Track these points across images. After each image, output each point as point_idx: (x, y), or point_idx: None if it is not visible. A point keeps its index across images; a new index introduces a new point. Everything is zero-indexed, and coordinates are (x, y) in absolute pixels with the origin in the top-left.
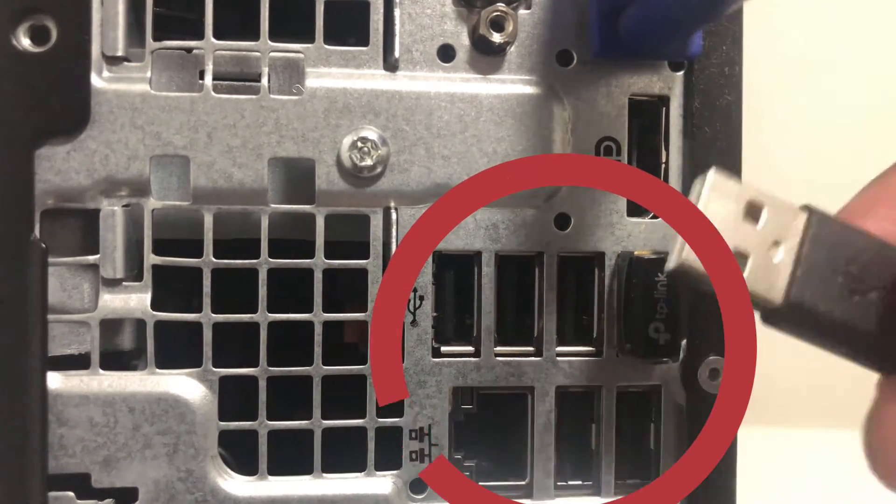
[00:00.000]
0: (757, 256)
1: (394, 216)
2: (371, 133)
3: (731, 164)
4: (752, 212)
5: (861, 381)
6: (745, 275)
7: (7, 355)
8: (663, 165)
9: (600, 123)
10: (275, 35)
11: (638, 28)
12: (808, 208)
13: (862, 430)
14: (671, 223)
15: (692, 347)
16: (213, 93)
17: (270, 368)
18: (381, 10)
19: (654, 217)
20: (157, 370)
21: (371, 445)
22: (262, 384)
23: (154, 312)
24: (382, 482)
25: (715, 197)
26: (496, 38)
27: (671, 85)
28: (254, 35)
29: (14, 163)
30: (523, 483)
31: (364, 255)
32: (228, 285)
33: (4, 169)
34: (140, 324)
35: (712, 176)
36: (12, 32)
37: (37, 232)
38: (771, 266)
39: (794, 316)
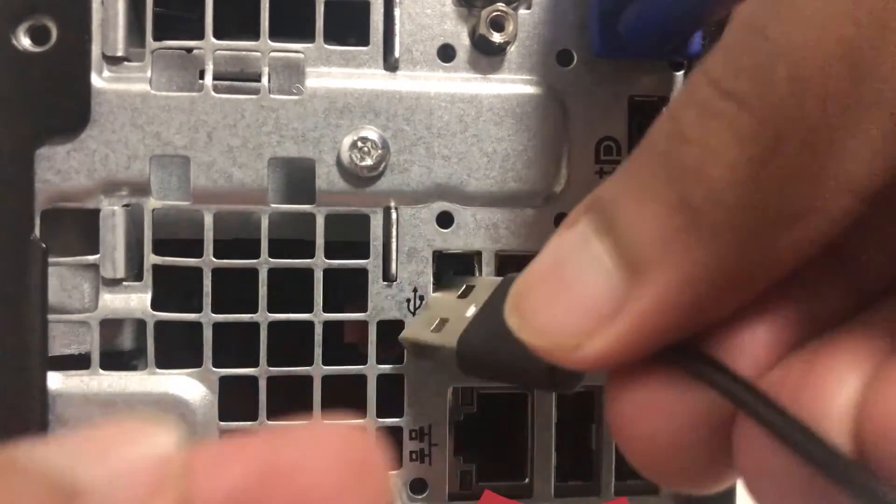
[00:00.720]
0: (453, 319)
1: (394, 216)
2: (371, 133)
3: None
4: (466, 291)
5: None
6: (441, 333)
7: (7, 355)
8: None
9: (600, 123)
10: (275, 35)
11: (638, 28)
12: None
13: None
14: None
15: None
16: (213, 93)
17: (271, 368)
18: (382, 10)
19: None
20: (158, 370)
21: None
22: (263, 384)
23: (154, 312)
24: None
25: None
26: (496, 37)
27: (671, 85)
28: (254, 35)
29: (14, 162)
30: (523, 483)
31: (364, 254)
32: (229, 285)
33: (4, 169)
34: (140, 324)
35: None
36: (12, 32)
37: (37, 232)
38: (461, 322)
39: (464, 358)
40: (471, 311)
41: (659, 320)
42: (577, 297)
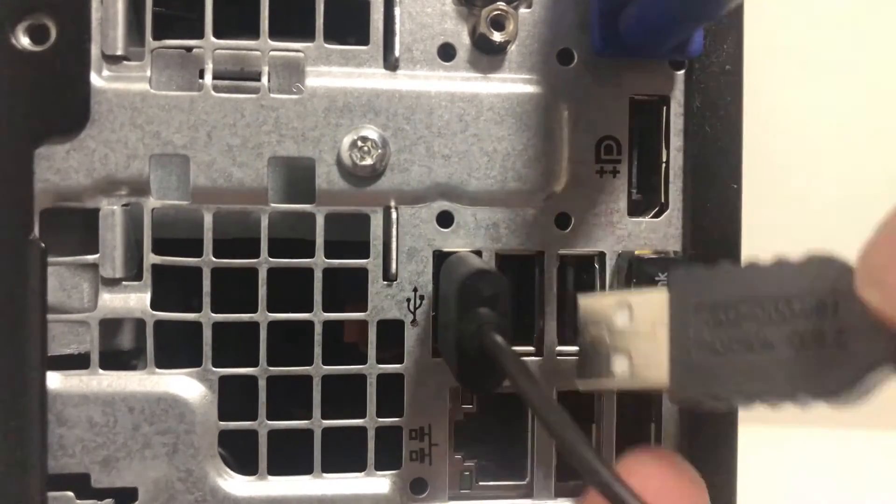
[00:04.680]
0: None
1: (394, 215)
2: (371, 132)
3: (732, 164)
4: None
5: None
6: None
7: (6, 355)
8: (663, 165)
9: (601, 122)
10: (275, 34)
11: (639, 27)
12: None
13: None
14: None
15: None
16: (212, 92)
17: (270, 368)
18: (382, 9)
19: (656, 216)
20: (157, 370)
21: (371, 445)
22: (262, 384)
23: (154, 312)
24: (382, 482)
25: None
26: (497, 37)
27: (671, 84)
28: (254, 34)
29: (13, 162)
30: (523, 483)
31: (364, 254)
32: (228, 285)
33: (4, 168)
34: (140, 323)
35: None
36: (11, 31)
37: (36, 231)
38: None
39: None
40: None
41: None
42: None
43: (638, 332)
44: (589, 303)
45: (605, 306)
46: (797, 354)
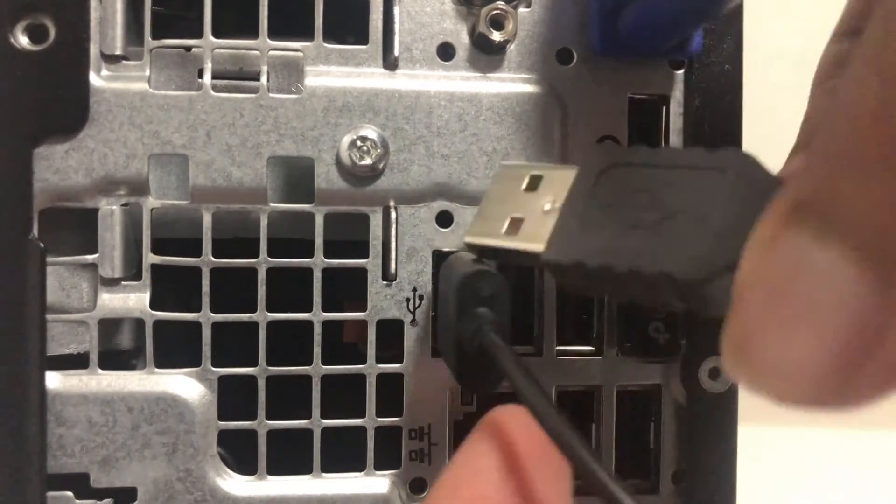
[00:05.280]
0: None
1: (393, 215)
2: (370, 132)
3: None
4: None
5: None
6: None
7: (5, 355)
8: None
9: (600, 122)
10: (274, 34)
11: (638, 26)
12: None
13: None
14: None
15: (692, 347)
16: (211, 91)
17: (270, 368)
18: (381, 9)
19: None
20: (156, 370)
21: (370, 445)
22: (262, 383)
23: (153, 312)
24: (381, 482)
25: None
26: (496, 36)
27: (671, 84)
28: (253, 34)
29: (12, 162)
30: None
31: (364, 254)
32: (228, 285)
33: (3, 168)
34: (139, 323)
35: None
36: (10, 31)
37: (35, 231)
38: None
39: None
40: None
41: None
42: (821, 323)
43: (538, 201)
44: (508, 165)
45: (519, 172)
46: (667, 233)
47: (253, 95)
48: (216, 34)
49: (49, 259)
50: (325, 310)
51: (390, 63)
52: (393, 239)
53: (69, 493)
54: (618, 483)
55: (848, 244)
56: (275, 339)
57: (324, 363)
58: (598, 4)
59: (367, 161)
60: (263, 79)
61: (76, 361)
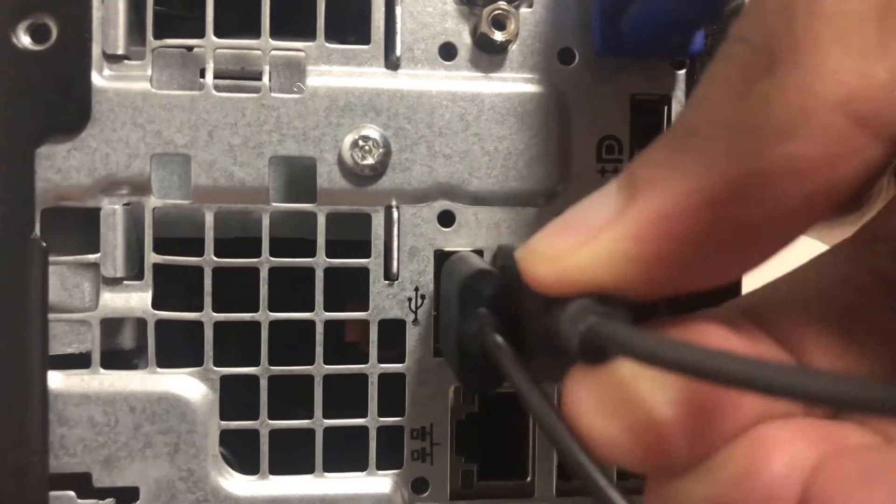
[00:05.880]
0: None
1: (395, 215)
2: (372, 132)
3: None
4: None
5: None
6: None
7: (7, 354)
8: None
9: (602, 122)
10: (276, 33)
11: (640, 26)
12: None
13: None
14: None
15: None
16: (213, 91)
17: (272, 368)
18: (383, 9)
19: None
20: (158, 369)
21: (372, 445)
22: (264, 383)
23: (155, 311)
24: (384, 481)
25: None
26: (498, 36)
27: (673, 83)
28: (255, 33)
29: (14, 161)
30: (524, 482)
31: (365, 253)
32: (230, 284)
33: (5, 167)
34: (141, 323)
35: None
36: (12, 31)
37: (37, 230)
38: None
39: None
40: None
41: (645, 242)
42: (577, 222)
43: None
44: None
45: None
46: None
47: (255, 95)
48: (218, 34)
49: (51, 258)
50: (327, 309)
51: (392, 63)
52: (395, 238)
53: (71, 493)
54: (614, 487)
55: (624, 177)
56: (277, 338)
57: (326, 363)
58: (600, 5)
59: (369, 161)
60: (265, 78)
61: (78, 361)
